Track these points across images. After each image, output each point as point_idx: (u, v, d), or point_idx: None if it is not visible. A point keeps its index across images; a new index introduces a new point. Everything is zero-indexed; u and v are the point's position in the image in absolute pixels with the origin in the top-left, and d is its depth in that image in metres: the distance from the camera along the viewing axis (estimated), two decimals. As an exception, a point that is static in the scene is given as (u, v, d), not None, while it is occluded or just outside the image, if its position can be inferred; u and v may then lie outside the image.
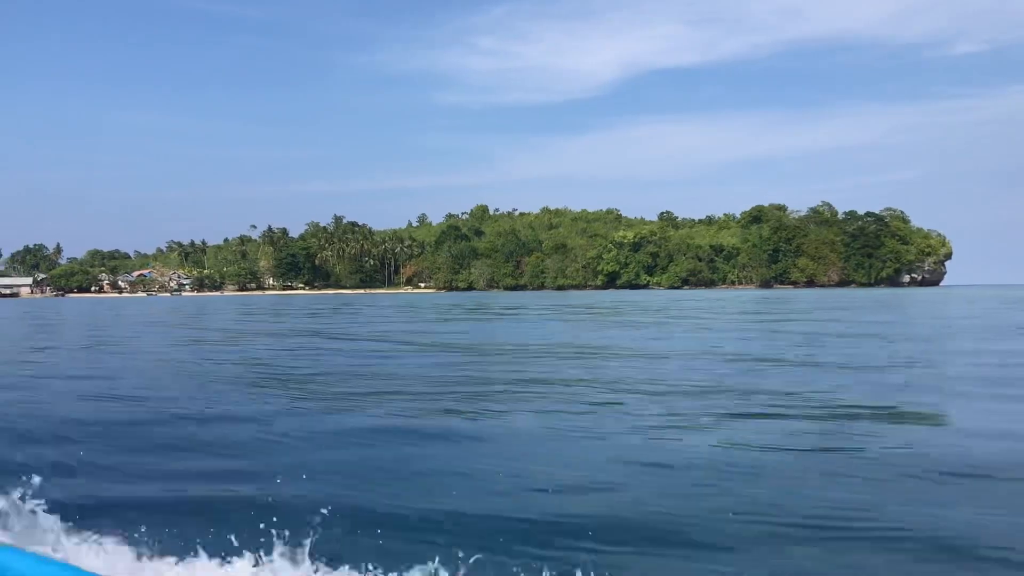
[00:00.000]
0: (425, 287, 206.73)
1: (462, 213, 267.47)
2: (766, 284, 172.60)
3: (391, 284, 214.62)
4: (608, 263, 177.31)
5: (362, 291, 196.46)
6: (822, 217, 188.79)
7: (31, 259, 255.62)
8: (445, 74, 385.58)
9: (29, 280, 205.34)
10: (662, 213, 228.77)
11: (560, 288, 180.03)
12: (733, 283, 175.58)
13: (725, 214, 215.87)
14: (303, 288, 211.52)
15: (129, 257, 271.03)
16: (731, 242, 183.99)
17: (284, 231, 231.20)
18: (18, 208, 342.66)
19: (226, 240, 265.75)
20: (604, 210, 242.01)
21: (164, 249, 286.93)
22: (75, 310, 64.81)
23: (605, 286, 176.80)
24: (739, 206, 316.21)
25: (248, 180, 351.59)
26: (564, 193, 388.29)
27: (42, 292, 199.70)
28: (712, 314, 39.02)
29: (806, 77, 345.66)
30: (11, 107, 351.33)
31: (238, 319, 40.96)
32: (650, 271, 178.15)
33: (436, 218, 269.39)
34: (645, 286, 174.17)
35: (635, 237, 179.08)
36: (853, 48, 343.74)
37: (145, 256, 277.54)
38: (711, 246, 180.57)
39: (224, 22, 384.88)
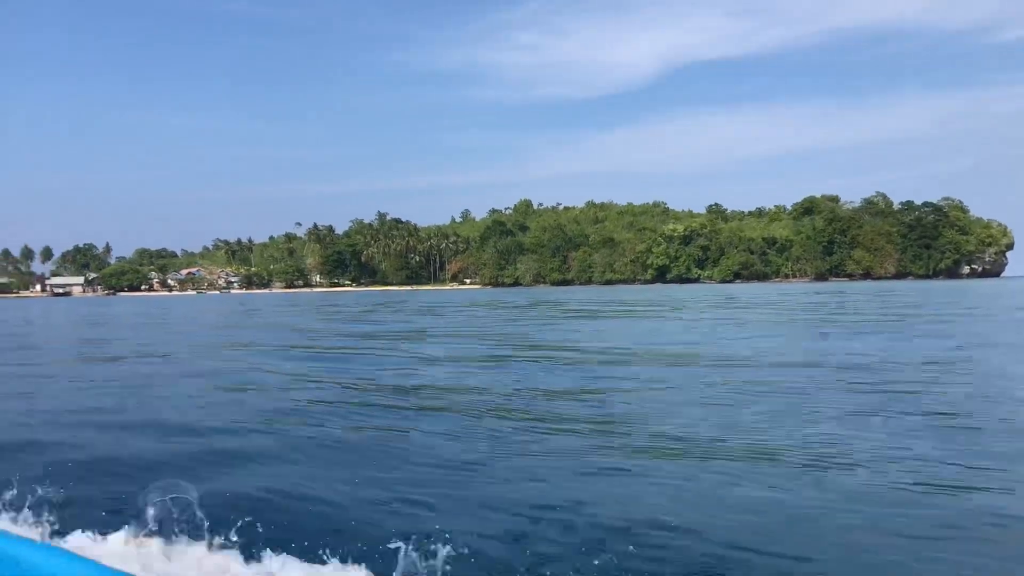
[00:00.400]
0: (470, 283, 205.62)
1: (505, 208, 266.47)
2: (821, 277, 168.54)
3: (436, 280, 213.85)
4: (658, 257, 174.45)
5: (408, 287, 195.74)
6: (877, 208, 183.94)
7: (81, 259, 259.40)
8: (482, 70, 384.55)
9: (81, 279, 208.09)
10: (710, 206, 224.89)
11: (608, 283, 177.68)
12: (787, 276, 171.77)
13: (776, 206, 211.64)
14: (350, 285, 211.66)
15: (176, 256, 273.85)
16: (783, 234, 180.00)
17: (330, 228, 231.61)
18: (67, 209, 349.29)
19: (271, 238, 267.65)
20: (651, 203, 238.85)
21: (210, 248, 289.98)
22: (145, 309, 64.25)
23: (654, 280, 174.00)
24: (786, 198, 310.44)
25: (289, 179, 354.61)
26: (605, 187, 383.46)
27: (94, 291, 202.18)
28: (812, 310, 36.77)
29: (850, 67, 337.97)
30: (57, 109, 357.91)
31: (326, 319, 39.60)
32: (701, 265, 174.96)
33: (479, 214, 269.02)
34: (696, 280, 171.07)
35: (685, 230, 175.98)
36: (897, 37, 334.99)
37: (192, 255, 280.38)
38: (763, 239, 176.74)
39: (265, 24, 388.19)
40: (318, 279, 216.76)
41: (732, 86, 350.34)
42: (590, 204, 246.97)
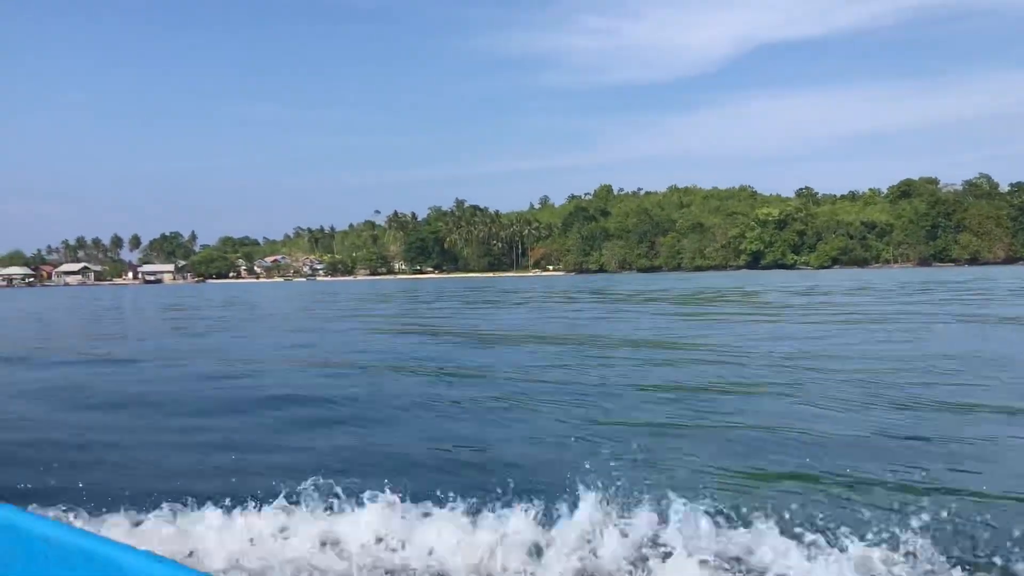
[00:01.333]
0: (553, 270, 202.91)
1: (584, 194, 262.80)
2: (924, 262, 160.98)
3: (518, 267, 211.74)
4: (752, 242, 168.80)
5: (491, 274, 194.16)
6: (981, 190, 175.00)
7: (168, 246, 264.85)
8: (553, 55, 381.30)
9: (171, 267, 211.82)
10: (800, 189, 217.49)
11: (698, 269, 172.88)
12: (887, 262, 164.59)
13: (870, 189, 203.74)
14: (432, 272, 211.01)
15: (258, 243, 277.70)
16: (882, 218, 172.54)
17: (413, 215, 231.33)
18: (153, 198, 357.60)
19: (351, 226, 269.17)
20: (737, 187, 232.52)
21: (291, 235, 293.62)
22: (248, 295, 63.35)
23: (748, 266, 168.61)
24: (872, 181, 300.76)
25: (364, 167, 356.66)
26: (682, 171, 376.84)
27: (183, 278, 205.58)
28: (970, 297, 32.96)
29: (931, 45, 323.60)
30: (137, 101, 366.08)
31: (455, 306, 37.39)
32: (796, 250, 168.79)
33: (556, 199, 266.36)
34: (792, 266, 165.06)
35: (780, 214, 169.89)
36: (980, 13, 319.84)
37: (274, 242, 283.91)
38: (862, 223, 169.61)
39: (337, 12, 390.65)
40: (400, 266, 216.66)
41: (806, 67, 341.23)
42: (673, 188, 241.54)
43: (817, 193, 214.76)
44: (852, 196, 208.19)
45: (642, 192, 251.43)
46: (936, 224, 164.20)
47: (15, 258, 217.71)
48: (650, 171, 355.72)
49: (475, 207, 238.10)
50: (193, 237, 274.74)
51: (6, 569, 1.61)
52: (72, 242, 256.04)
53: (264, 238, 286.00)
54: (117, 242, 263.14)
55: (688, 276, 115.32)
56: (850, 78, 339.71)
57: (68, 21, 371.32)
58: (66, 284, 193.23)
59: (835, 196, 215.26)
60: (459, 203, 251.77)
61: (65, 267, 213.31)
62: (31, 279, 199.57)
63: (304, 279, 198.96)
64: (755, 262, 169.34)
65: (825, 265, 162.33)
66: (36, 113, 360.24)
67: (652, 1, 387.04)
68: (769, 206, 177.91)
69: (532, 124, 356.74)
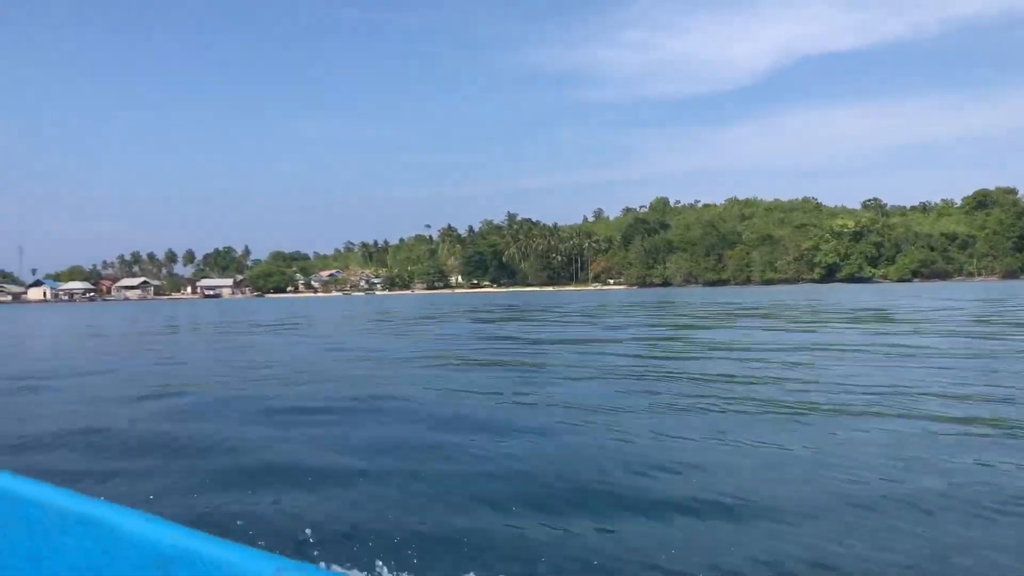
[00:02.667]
0: (614, 283, 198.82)
1: (640, 207, 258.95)
2: (1011, 274, 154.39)
3: (578, 281, 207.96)
4: (827, 255, 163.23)
5: (550, 288, 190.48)
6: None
7: (221, 261, 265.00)
8: (592, 70, 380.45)
9: (230, 281, 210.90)
10: (868, 200, 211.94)
11: (768, 283, 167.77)
12: (971, 274, 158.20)
13: (943, 200, 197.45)
14: (490, 286, 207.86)
15: (308, 258, 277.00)
16: (961, 229, 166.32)
17: (470, 228, 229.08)
18: (200, 215, 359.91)
19: (401, 240, 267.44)
20: (800, 199, 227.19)
21: (342, 249, 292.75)
22: (332, 309, 60.06)
23: (822, 280, 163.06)
24: (927, 192, 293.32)
25: (410, 182, 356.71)
26: (725, 184, 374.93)
27: (242, 293, 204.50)
28: None
29: (979, 56, 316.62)
30: (186, 119, 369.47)
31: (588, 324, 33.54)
32: (873, 263, 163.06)
33: (611, 212, 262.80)
34: (869, 279, 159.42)
35: (856, 225, 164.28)
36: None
37: (325, 257, 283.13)
38: (942, 234, 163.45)
39: (383, 29, 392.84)
40: (458, 280, 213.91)
41: (850, 79, 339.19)
42: (733, 200, 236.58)
43: (885, 204, 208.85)
44: (924, 207, 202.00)
45: (700, 204, 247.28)
46: (1023, 235, 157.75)
47: (75, 273, 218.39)
48: (693, 184, 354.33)
49: (528, 220, 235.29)
50: (246, 252, 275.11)
51: (5, 537, 1.62)
52: (127, 257, 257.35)
53: (315, 252, 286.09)
54: (171, 257, 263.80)
55: (765, 290, 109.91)
56: (893, 90, 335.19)
57: (118, 40, 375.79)
58: (126, 299, 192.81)
59: (904, 207, 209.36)
60: (511, 216, 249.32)
61: (125, 282, 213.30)
62: (92, 294, 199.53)
63: (363, 293, 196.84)
64: (830, 275, 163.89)
65: (905, 278, 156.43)
66: (88, 132, 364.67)
67: (692, 15, 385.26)
68: (843, 217, 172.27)
69: (573, 138, 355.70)
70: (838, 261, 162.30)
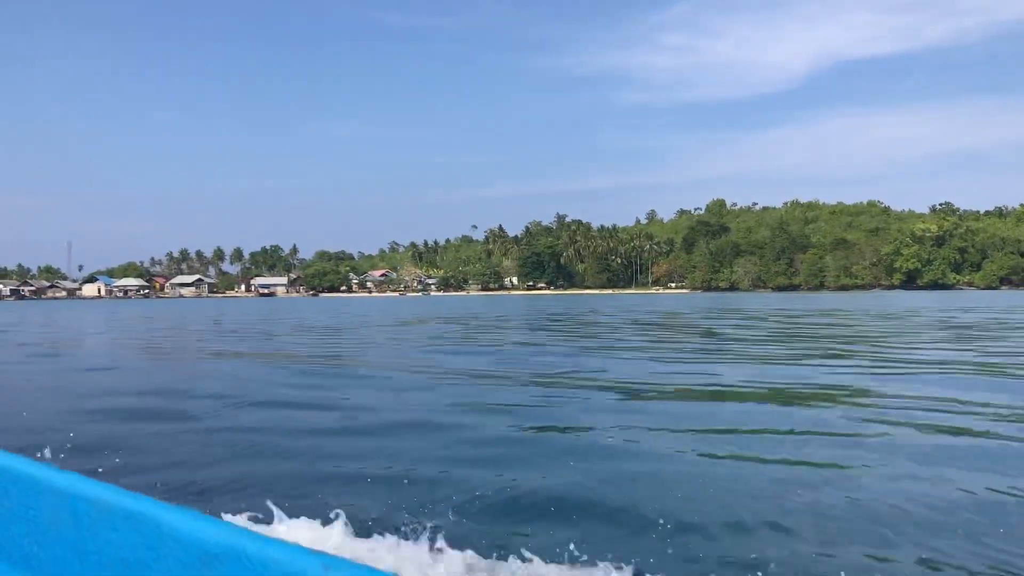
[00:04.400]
0: (675, 287, 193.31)
1: (695, 208, 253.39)
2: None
3: (637, 284, 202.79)
4: (908, 260, 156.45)
5: (610, 291, 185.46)
6: None
7: (268, 260, 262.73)
8: (631, 73, 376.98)
9: (284, 280, 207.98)
10: (939, 205, 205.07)
11: (842, 288, 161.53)
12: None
13: (1021, 204, 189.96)
14: (546, 288, 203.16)
15: (353, 257, 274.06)
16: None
17: (527, 230, 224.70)
18: (243, 214, 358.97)
19: (447, 240, 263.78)
20: (865, 202, 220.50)
21: (387, 249, 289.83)
22: (413, 308, 55.41)
23: (902, 286, 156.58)
24: (988, 197, 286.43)
25: (448, 183, 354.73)
26: (770, 188, 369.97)
27: (296, 291, 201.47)
28: None
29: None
30: (226, 118, 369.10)
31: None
32: (957, 269, 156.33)
33: (665, 213, 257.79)
34: (952, 286, 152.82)
35: (939, 230, 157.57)
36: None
37: (370, 256, 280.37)
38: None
39: (420, 32, 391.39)
40: (513, 282, 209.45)
41: (892, 84, 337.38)
42: (794, 203, 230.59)
43: (958, 209, 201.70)
44: (1000, 212, 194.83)
45: (758, 207, 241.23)
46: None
47: (129, 269, 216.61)
48: (731, 188, 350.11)
49: (578, 221, 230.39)
50: (294, 250, 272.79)
51: (54, 531, 1.65)
52: (176, 254, 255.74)
53: (359, 252, 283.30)
54: (219, 255, 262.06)
55: (850, 297, 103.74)
56: (936, 95, 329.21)
57: (160, 44, 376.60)
58: (180, 296, 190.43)
59: (977, 212, 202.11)
60: (560, 218, 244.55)
61: (179, 279, 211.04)
62: (146, 291, 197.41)
63: (420, 294, 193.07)
64: (910, 281, 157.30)
65: (992, 285, 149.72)
66: (127, 131, 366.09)
67: (731, 19, 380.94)
68: (924, 221, 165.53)
69: (610, 141, 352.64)
70: (920, 267, 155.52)
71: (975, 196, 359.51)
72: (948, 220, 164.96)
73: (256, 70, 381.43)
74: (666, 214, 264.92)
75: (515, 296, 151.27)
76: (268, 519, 4.09)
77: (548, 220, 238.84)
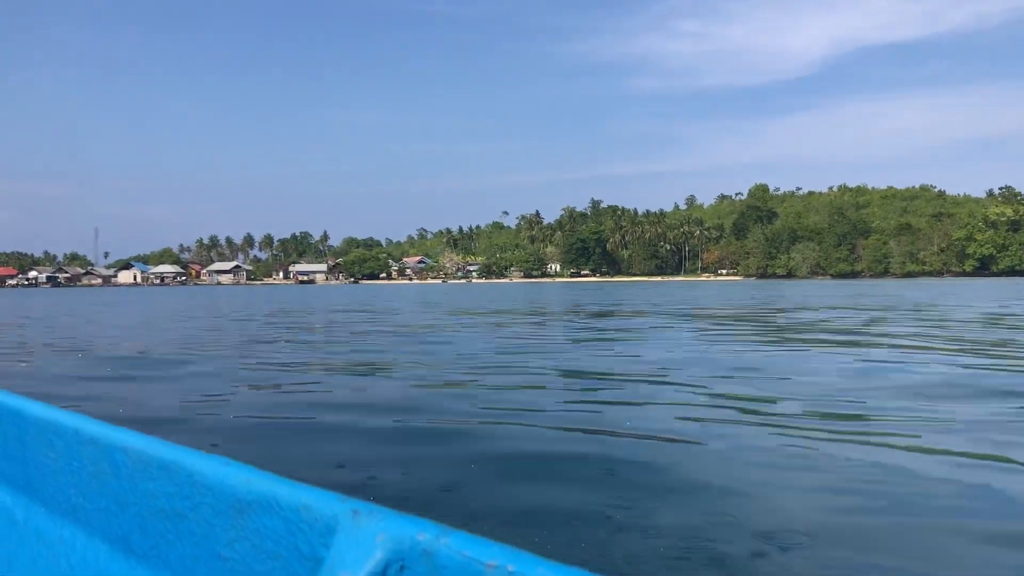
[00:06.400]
0: (726, 274, 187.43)
1: (736, 194, 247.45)
2: None
3: (686, 271, 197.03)
4: (982, 246, 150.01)
5: (659, 279, 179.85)
6: None
7: (298, 247, 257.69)
8: (646, 60, 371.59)
9: (323, 267, 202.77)
10: (997, 189, 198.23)
11: (908, 275, 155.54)
12: None
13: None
14: (591, 276, 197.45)
15: (381, 244, 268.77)
16: None
17: (580, 214, 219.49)
18: (269, 201, 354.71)
19: (476, 227, 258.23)
20: (917, 187, 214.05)
21: (415, 236, 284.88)
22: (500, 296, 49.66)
23: (976, 273, 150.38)
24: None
25: (463, 171, 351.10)
26: (787, 174, 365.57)
27: (336, 279, 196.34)
28: None
29: None
30: (248, 109, 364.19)
31: None
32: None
33: (666, 203, 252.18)
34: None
35: (1015, 215, 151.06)
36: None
37: (399, 243, 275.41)
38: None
39: (437, 20, 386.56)
40: (556, 268, 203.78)
41: (912, 69, 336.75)
42: (843, 188, 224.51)
43: (1020, 193, 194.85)
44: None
45: (802, 191, 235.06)
46: None
47: (165, 256, 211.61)
48: (750, 174, 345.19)
49: (613, 207, 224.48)
50: (324, 236, 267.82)
51: (96, 483, 1.71)
52: (206, 241, 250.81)
53: (387, 239, 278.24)
54: (249, 241, 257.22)
55: (926, 283, 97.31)
56: (956, 81, 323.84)
57: (182, 36, 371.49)
58: (218, 283, 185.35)
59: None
60: (595, 203, 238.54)
61: (217, 266, 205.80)
62: (183, 278, 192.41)
63: (463, 281, 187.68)
64: (983, 268, 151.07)
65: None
66: (149, 120, 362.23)
67: (748, 4, 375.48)
68: (997, 205, 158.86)
69: (625, 129, 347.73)
70: (995, 253, 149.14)
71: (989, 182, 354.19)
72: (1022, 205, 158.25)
73: (277, 63, 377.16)
74: (702, 198, 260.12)
75: (551, 283, 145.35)
76: None
77: (579, 207, 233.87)
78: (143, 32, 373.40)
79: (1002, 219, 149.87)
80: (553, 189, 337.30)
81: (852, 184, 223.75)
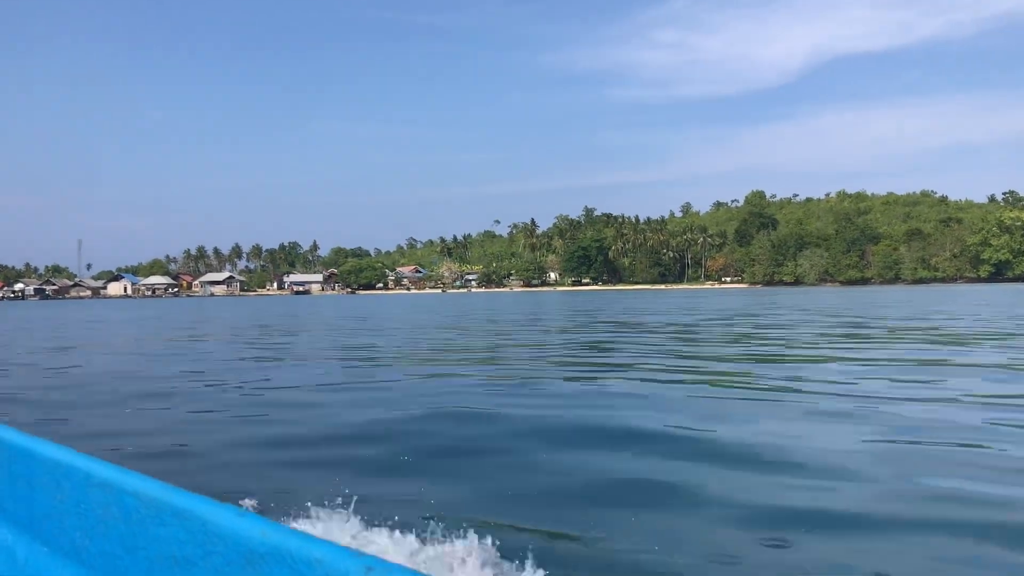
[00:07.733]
0: (730, 281, 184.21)
1: (731, 201, 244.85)
2: None
3: (688, 279, 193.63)
4: (998, 251, 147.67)
5: (661, 287, 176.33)
6: None
7: (288, 257, 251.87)
8: (624, 70, 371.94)
9: (319, 277, 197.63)
10: (1000, 195, 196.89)
11: (919, 281, 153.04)
12: None
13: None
14: (592, 284, 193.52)
15: (369, 254, 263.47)
16: None
17: (577, 223, 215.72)
18: (253, 212, 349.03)
19: (468, 236, 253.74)
20: (918, 192, 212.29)
21: (404, 245, 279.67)
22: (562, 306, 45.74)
23: (990, 279, 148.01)
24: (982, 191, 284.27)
25: (451, 182, 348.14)
26: (763, 183, 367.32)
27: (332, 289, 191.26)
28: None
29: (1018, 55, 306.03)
30: (226, 120, 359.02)
31: None
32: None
33: (646, 212, 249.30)
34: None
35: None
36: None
37: (387, 253, 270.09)
38: None
39: (421, 31, 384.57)
40: (556, 277, 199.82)
41: (886, 79, 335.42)
42: (842, 195, 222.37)
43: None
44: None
45: (799, 198, 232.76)
46: None
47: (155, 267, 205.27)
48: (728, 184, 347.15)
49: (607, 215, 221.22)
50: (314, 247, 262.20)
51: (104, 526, 1.67)
52: (193, 252, 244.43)
53: (375, 248, 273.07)
54: (237, 252, 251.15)
55: (952, 290, 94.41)
56: (930, 90, 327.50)
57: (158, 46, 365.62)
58: (211, 295, 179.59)
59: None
60: (588, 211, 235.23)
61: (209, 276, 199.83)
62: (175, 289, 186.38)
63: (463, 290, 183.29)
64: (998, 274, 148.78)
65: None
66: (118, 133, 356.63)
67: (726, 14, 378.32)
68: (1012, 210, 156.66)
69: (604, 139, 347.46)
70: (1010, 258, 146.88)
71: (978, 187, 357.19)
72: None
73: (258, 72, 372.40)
74: (698, 206, 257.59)
75: (591, 292, 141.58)
76: None
77: (571, 215, 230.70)
78: (122, 42, 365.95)
79: (1017, 224, 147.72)
80: (541, 199, 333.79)
81: (851, 191, 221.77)
